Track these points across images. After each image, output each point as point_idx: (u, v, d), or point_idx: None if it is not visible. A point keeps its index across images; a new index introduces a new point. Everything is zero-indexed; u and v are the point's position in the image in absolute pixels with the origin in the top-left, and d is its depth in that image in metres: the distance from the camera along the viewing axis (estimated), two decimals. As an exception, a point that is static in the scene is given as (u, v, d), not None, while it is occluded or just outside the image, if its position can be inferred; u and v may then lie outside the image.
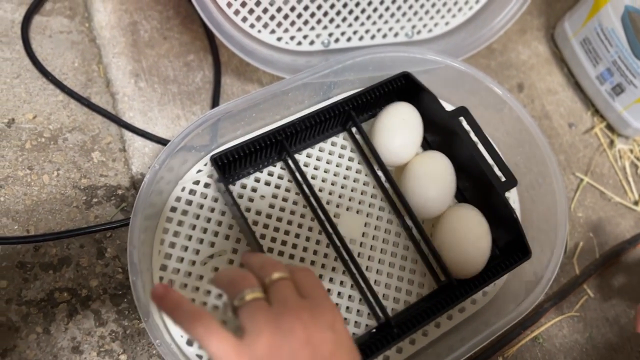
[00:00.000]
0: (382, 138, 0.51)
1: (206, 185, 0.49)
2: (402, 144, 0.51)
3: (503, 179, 0.50)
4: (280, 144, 0.49)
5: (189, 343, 0.43)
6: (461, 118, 0.52)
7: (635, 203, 0.64)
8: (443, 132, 0.53)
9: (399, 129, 0.51)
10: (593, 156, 0.65)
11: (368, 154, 0.53)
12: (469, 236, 0.48)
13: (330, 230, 0.48)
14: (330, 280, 0.48)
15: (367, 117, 0.55)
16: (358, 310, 0.48)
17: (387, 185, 0.52)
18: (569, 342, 0.56)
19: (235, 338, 0.30)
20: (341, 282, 0.48)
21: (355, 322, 0.47)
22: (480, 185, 0.51)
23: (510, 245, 0.50)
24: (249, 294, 0.31)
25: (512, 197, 0.56)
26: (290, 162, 0.50)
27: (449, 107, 0.59)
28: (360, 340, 0.46)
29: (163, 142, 0.53)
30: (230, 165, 0.47)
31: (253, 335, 0.30)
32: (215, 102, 0.56)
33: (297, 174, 0.50)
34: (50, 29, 0.57)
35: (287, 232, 0.49)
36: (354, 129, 0.54)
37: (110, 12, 0.58)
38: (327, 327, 0.32)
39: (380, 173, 0.52)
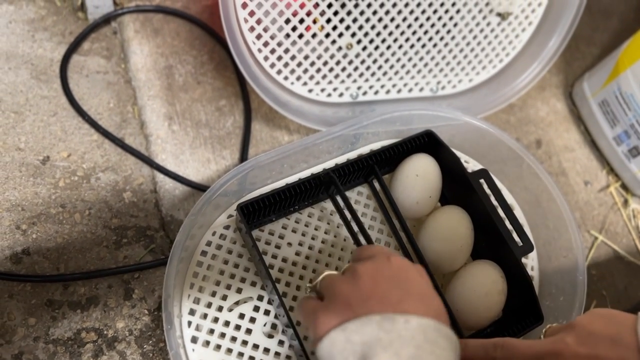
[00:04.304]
0: (401, 190, 0.53)
1: (236, 231, 0.50)
2: (420, 197, 0.52)
3: (521, 243, 0.52)
4: (305, 194, 0.50)
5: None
6: (482, 180, 0.54)
7: (648, 263, 0.65)
8: (463, 189, 0.54)
9: (417, 182, 0.52)
10: (607, 214, 0.67)
11: (387, 207, 0.54)
12: (482, 293, 0.49)
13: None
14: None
15: (390, 170, 0.57)
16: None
17: (404, 238, 0.53)
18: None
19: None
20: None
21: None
22: (497, 245, 0.52)
23: (523, 307, 0.51)
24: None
25: (531, 254, 0.57)
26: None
27: (470, 160, 0.60)
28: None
29: (194, 185, 0.54)
30: (256, 212, 0.49)
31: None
32: (245, 148, 0.57)
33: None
34: (88, 69, 0.59)
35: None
36: (375, 182, 0.55)
37: (146, 54, 0.60)
38: None
39: (398, 225, 0.53)
